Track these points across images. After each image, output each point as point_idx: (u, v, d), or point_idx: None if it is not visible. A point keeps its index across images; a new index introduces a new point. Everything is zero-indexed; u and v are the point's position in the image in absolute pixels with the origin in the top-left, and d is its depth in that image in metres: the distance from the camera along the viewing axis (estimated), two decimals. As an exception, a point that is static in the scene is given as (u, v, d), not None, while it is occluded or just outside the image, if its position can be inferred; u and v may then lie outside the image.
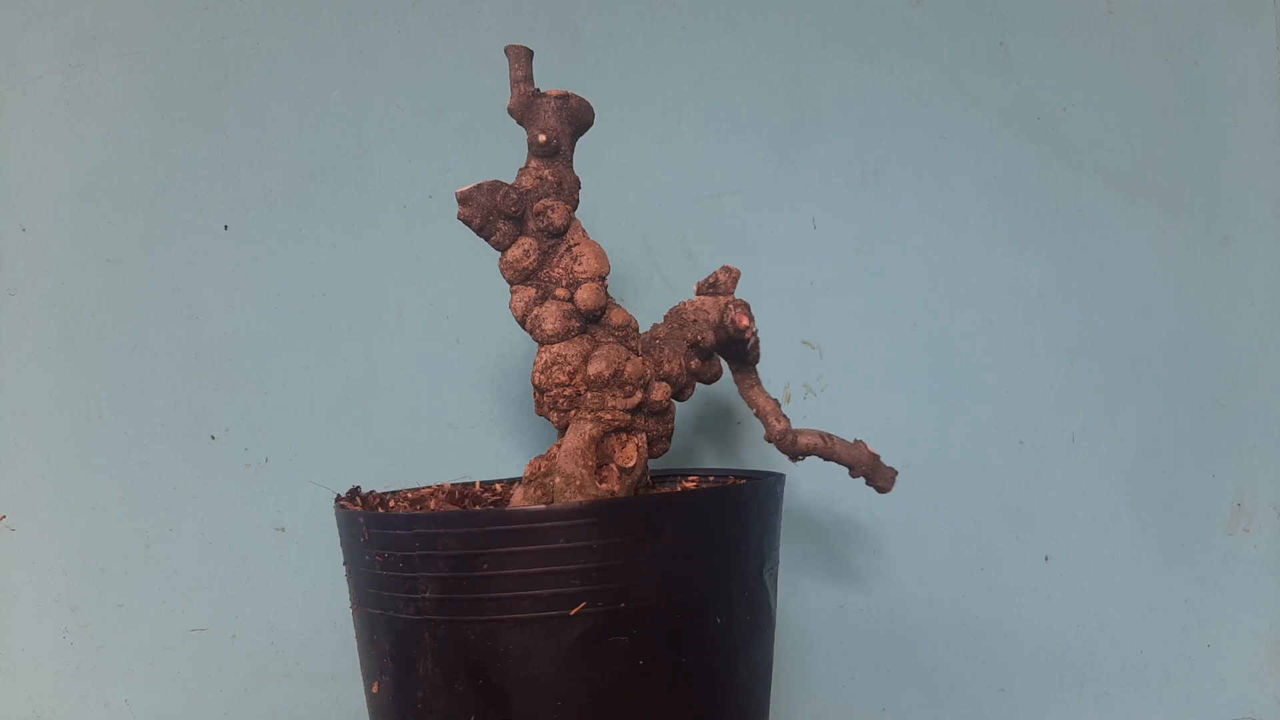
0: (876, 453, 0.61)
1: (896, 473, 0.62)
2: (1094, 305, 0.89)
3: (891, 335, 0.86)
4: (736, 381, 0.63)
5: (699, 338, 0.60)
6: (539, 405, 0.59)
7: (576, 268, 0.59)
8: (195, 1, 0.77)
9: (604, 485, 0.57)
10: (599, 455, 0.58)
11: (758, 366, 0.63)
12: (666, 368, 0.60)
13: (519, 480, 0.70)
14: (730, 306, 0.59)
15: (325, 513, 0.76)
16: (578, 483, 0.56)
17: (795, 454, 0.61)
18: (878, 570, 0.85)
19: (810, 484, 0.84)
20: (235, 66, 0.77)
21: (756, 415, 0.62)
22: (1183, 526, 0.90)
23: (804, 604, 0.84)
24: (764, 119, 0.85)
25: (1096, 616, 0.88)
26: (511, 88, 0.59)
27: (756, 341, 0.61)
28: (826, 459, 0.62)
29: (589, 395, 0.58)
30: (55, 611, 0.74)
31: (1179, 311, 0.90)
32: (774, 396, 0.62)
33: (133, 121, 0.76)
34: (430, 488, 0.66)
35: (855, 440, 0.61)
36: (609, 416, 0.58)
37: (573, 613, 0.51)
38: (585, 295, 0.59)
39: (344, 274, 0.78)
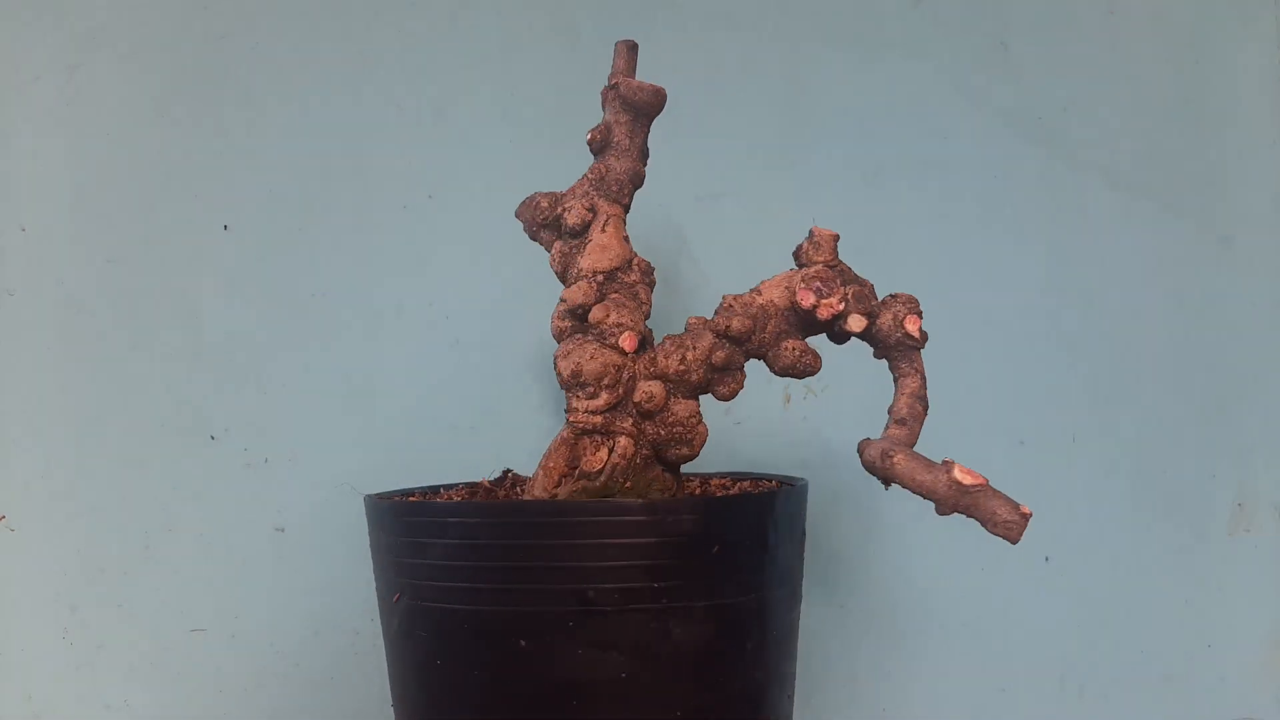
0: (982, 479, 0.47)
1: (1027, 514, 0.46)
2: (1094, 305, 0.89)
3: (891, 335, 0.86)
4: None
5: (725, 326, 0.55)
6: None
7: (583, 263, 0.58)
8: (195, 1, 0.77)
9: (563, 487, 0.56)
10: (570, 458, 0.56)
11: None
12: (662, 364, 0.56)
13: None
14: (805, 280, 0.52)
15: (326, 513, 0.76)
16: (540, 483, 0.56)
17: (884, 479, 0.51)
18: (878, 570, 0.85)
19: (811, 485, 0.84)
20: (235, 66, 0.77)
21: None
22: (1183, 526, 0.90)
23: (804, 604, 0.84)
24: (764, 119, 0.85)
25: (1096, 616, 0.88)
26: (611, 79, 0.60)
27: (859, 320, 0.53)
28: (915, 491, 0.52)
29: (568, 396, 0.57)
30: (55, 611, 0.74)
31: (1179, 311, 0.90)
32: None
33: (133, 121, 0.76)
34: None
35: (986, 489, 0.48)
36: (575, 419, 0.56)
37: (394, 599, 0.56)
38: (571, 292, 0.57)
39: (344, 274, 0.78)
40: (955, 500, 0.48)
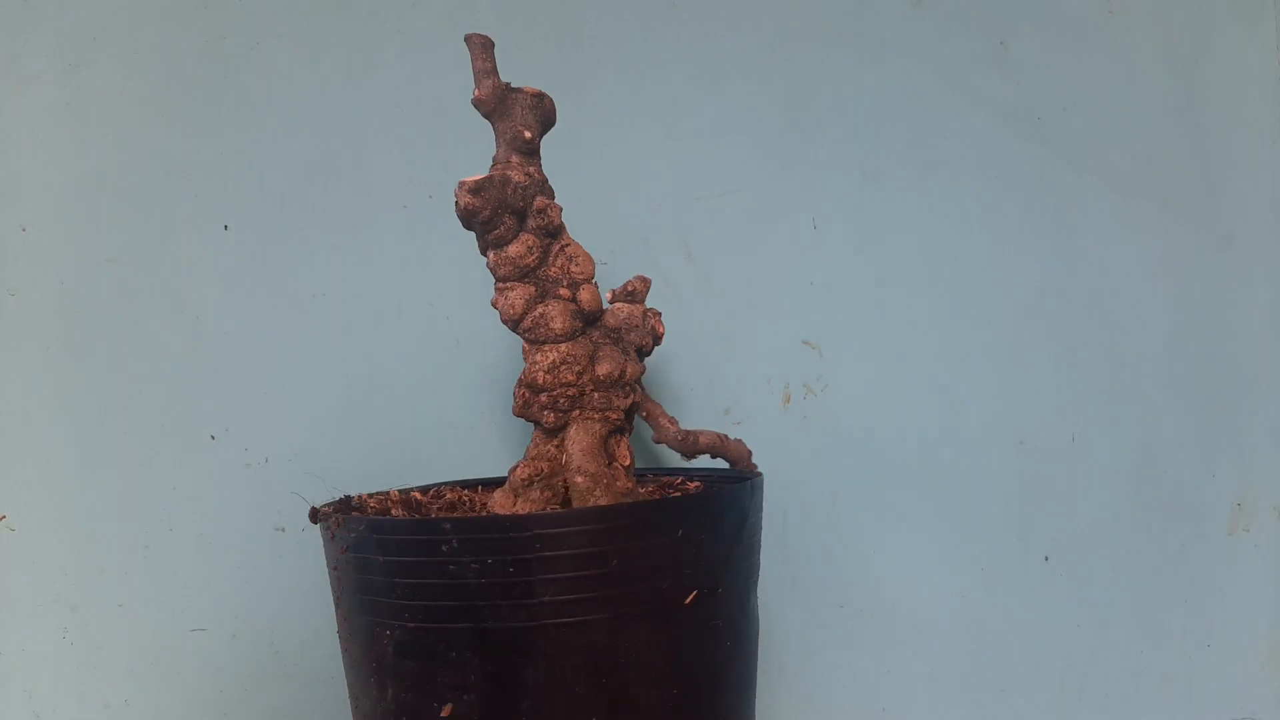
0: (750, 450, 0.69)
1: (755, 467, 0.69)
2: (1094, 305, 0.89)
3: (891, 335, 0.86)
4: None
5: (642, 342, 0.62)
6: (529, 405, 0.58)
7: (573, 268, 0.59)
8: (195, 1, 0.77)
9: (619, 483, 0.57)
10: (605, 454, 0.58)
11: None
12: (631, 372, 0.61)
13: (476, 483, 0.70)
14: (649, 314, 0.63)
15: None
16: (605, 481, 0.56)
17: (693, 453, 0.65)
18: (878, 570, 0.85)
19: (811, 484, 0.84)
20: (235, 66, 0.77)
21: (645, 419, 0.65)
22: (1183, 527, 0.90)
23: (804, 604, 0.84)
24: (764, 119, 0.85)
25: (1096, 616, 0.88)
26: (479, 79, 0.57)
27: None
28: (716, 456, 0.67)
29: (596, 395, 0.58)
30: (55, 611, 0.74)
31: (1179, 311, 0.90)
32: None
33: (133, 121, 0.76)
34: (367, 495, 0.65)
35: (737, 439, 0.68)
36: (615, 416, 0.58)
37: (687, 601, 0.52)
38: (588, 296, 0.59)
39: (344, 274, 0.78)
40: (745, 461, 0.68)
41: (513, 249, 0.57)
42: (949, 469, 0.86)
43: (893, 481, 0.85)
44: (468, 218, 0.56)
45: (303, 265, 0.78)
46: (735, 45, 0.85)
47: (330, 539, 0.57)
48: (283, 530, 0.76)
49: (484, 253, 0.59)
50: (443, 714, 0.52)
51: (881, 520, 0.85)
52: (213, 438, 0.76)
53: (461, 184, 0.56)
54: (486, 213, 0.56)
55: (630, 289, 0.64)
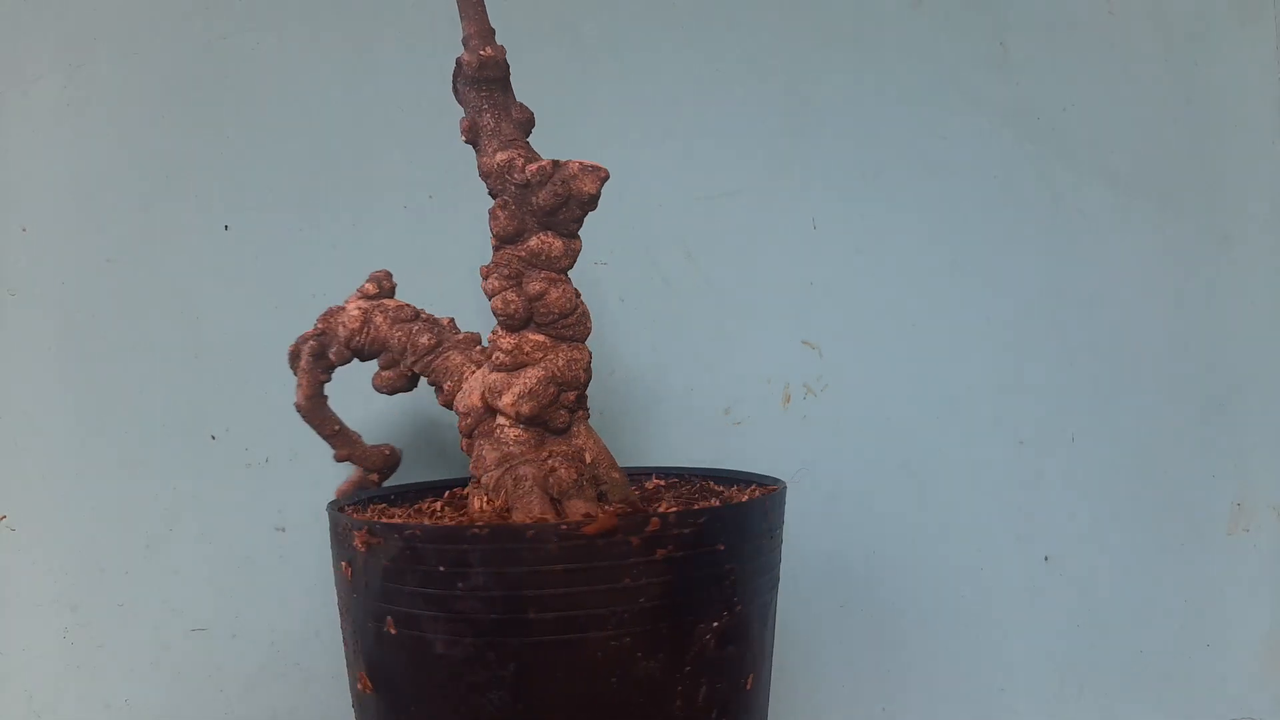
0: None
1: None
2: (1094, 305, 0.89)
3: (891, 335, 0.86)
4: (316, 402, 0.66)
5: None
6: (547, 405, 0.55)
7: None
8: (195, 1, 0.77)
9: None
10: None
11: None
12: None
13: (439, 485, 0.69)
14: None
15: (326, 512, 0.76)
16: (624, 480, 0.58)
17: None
18: (878, 570, 0.85)
19: (810, 484, 0.84)
20: (235, 66, 0.77)
21: (337, 432, 0.67)
22: (1183, 526, 0.90)
23: (804, 604, 0.84)
24: (764, 119, 0.85)
25: (1096, 616, 0.88)
26: (487, 38, 0.52)
27: None
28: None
29: (586, 395, 0.58)
30: (55, 611, 0.74)
31: (1179, 311, 0.90)
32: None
33: (133, 121, 0.76)
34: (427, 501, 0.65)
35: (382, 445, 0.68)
36: (588, 415, 0.59)
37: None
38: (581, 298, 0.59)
39: (344, 274, 0.78)
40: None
41: (577, 243, 0.56)
42: (949, 468, 0.86)
43: (893, 481, 0.85)
44: (590, 203, 0.54)
45: (303, 265, 0.78)
46: (735, 45, 0.85)
47: (629, 547, 0.48)
48: (283, 530, 0.76)
49: (514, 239, 0.56)
50: (747, 687, 0.52)
51: (881, 520, 0.85)
52: (213, 438, 0.76)
53: (597, 168, 0.53)
54: (587, 215, 0.55)
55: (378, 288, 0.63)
